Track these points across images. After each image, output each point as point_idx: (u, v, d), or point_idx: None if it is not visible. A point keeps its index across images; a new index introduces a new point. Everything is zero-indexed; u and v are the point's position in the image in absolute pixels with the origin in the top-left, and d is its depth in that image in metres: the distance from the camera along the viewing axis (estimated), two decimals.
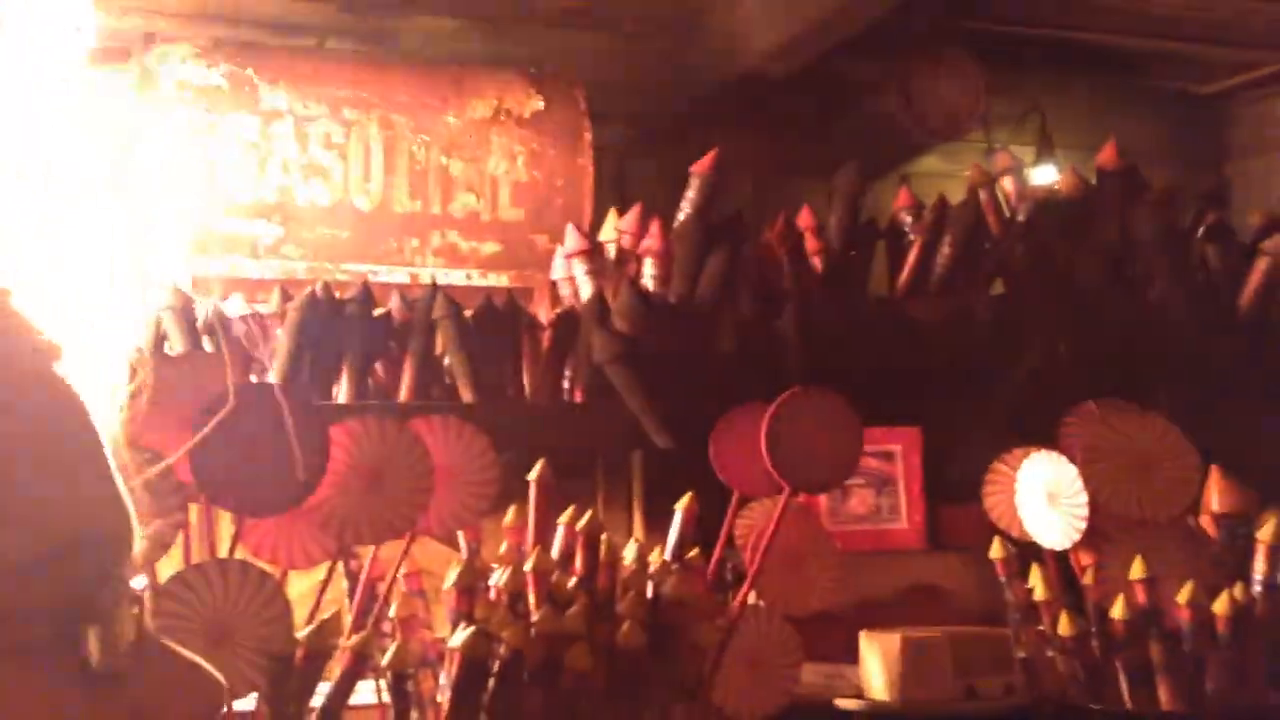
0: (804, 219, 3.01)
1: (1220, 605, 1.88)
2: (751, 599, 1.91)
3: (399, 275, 2.65)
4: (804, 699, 1.87)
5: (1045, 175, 3.57)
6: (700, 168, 2.74)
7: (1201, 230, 3.20)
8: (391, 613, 1.73)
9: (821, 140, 3.45)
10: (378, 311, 2.38)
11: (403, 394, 2.26)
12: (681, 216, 2.68)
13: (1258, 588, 1.97)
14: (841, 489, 2.25)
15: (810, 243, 3.01)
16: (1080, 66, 3.85)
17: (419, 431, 1.82)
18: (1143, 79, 4.02)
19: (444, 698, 1.60)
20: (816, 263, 2.94)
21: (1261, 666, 1.92)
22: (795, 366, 2.51)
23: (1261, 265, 3.07)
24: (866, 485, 2.27)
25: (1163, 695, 1.87)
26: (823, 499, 2.23)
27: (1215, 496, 2.17)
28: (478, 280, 2.67)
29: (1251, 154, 3.80)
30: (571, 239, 2.57)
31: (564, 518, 1.81)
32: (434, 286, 2.39)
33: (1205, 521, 2.19)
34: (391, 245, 2.70)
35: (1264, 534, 2.00)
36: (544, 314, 2.49)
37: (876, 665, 1.87)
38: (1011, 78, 3.74)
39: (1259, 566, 1.99)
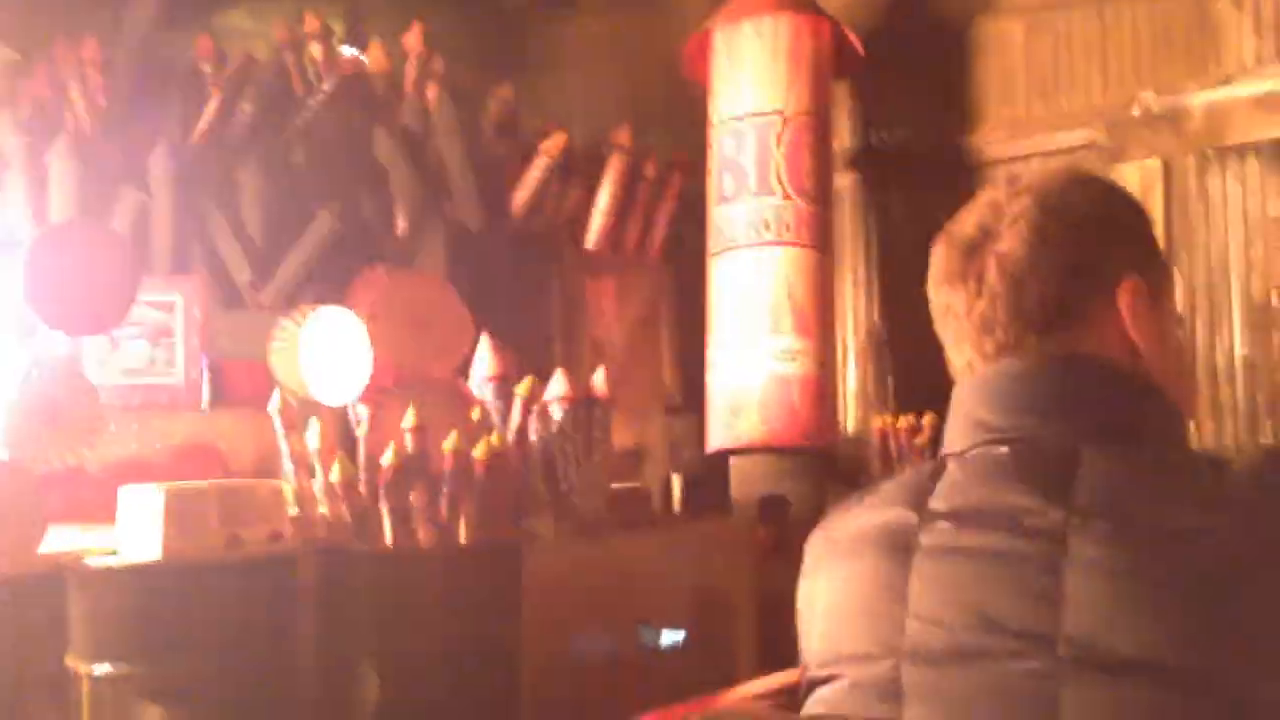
0: (89, 50, 2.69)
1: (479, 451, 2.05)
2: None
3: None
4: (56, 560, 1.70)
5: (352, 49, 3.57)
6: None
7: (492, 126, 3.47)
8: None
9: None
10: None
11: None
12: None
13: (512, 436, 2.19)
14: (111, 338, 2.06)
15: (93, 77, 2.70)
16: None
17: None
18: None
19: None
20: (99, 99, 2.65)
21: (507, 505, 2.15)
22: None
23: (539, 163, 3.41)
24: (141, 336, 2.10)
25: (421, 535, 2.00)
26: (89, 347, 2.03)
27: (486, 359, 2.38)
28: None
29: (544, 68, 4.16)
30: None
31: None
32: None
33: (476, 381, 2.39)
34: None
35: (520, 390, 2.23)
36: None
37: (139, 520, 1.76)
38: None
39: (514, 418, 2.22)
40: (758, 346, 3.58)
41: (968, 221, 0.98)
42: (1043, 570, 0.81)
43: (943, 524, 0.87)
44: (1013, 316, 0.92)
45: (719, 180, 3.74)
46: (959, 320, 0.96)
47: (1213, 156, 3.69)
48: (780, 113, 3.63)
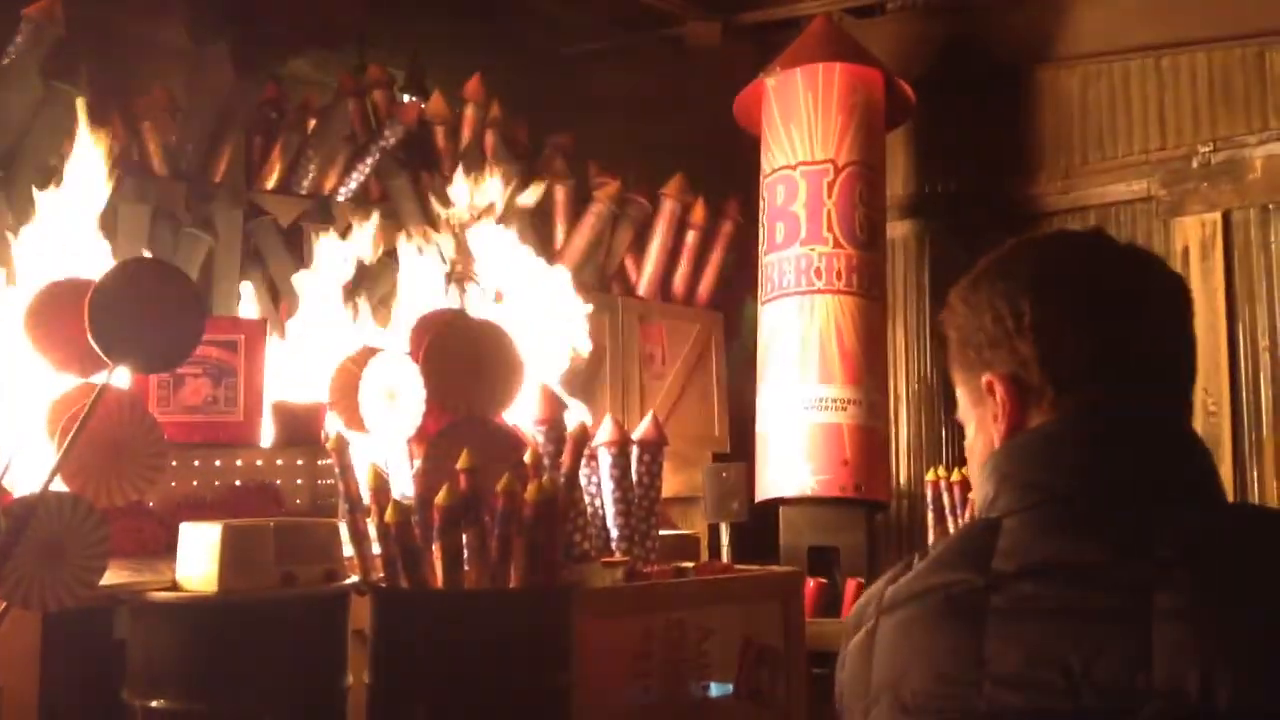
0: (160, 95, 2.79)
1: (530, 493, 2.06)
2: (58, 485, 1.70)
3: None
4: (111, 592, 1.72)
5: (412, 97, 3.66)
6: (37, 12, 2.40)
7: (548, 173, 3.52)
8: None
9: (180, 20, 3.20)
10: None
11: None
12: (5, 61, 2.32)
13: (561, 479, 2.19)
14: (174, 376, 2.09)
15: (164, 121, 2.78)
16: (456, 10, 3.98)
17: None
18: (512, 32, 4.27)
19: None
20: (170, 143, 2.73)
21: (557, 548, 2.15)
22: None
23: (594, 209, 3.46)
24: (204, 375, 2.13)
25: (471, 576, 2.00)
26: (152, 385, 2.07)
27: (539, 405, 2.40)
28: None
29: (598, 117, 4.22)
30: None
31: None
32: None
33: (527, 425, 2.41)
34: None
35: (570, 433, 2.24)
36: None
37: (196, 556, 1.78)
38: (389, 4, 3.75)
39: (565, 460, 2.23)
40: (808, 394, 3.57)
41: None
42: (1130, 625, 0.80)
43: (1016, 584, 0.85)
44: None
45: (770, 228, 3.75)
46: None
47: (1274, 210, 3.64)
48: (832, 161, 3.65)
